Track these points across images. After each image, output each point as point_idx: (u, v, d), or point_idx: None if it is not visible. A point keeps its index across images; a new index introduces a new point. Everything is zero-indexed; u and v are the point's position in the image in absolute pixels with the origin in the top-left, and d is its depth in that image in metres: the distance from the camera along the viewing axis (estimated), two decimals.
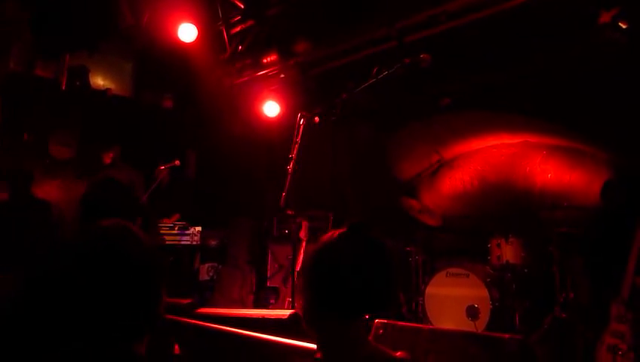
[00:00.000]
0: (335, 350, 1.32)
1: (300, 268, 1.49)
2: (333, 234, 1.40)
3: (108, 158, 5.50)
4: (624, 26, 3.64)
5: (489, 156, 5.64)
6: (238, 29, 5.89)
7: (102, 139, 5.88)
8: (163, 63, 6.56)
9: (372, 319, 2.10)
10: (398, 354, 1.31)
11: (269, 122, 6.09)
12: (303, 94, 5.94)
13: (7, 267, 3.85)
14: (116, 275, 1.14)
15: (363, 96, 3.36)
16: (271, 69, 5.83)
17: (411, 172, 5.79)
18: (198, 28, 5.51)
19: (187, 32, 5.46)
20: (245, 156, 6.70)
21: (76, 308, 1.12)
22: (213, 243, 6.27)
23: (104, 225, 1.23)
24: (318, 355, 1.35)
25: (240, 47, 5.97)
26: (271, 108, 6.02)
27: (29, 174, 4.58)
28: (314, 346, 1.41)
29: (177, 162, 5.39)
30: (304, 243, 4.82)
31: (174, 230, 5.99)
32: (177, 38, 5.48)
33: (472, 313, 4.32)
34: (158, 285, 1.21)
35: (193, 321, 2.41)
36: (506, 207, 5.35)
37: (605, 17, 3.65)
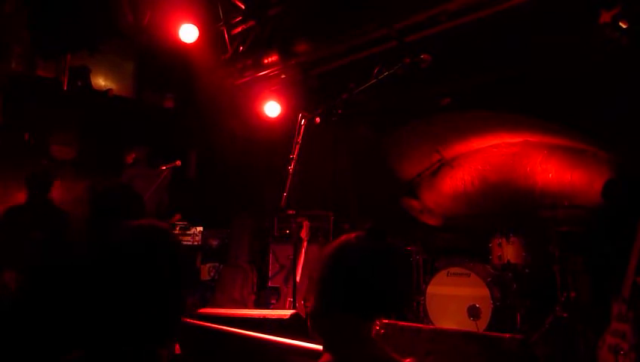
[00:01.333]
0: (347, 351, 1.30)
1: (315, 270, 1.47)
2: (349, 236, 1.39)
3: (130, 158, 5.58)
4: (624, 26, 3.64)
5: (490, 156, 5.64)
6: (239, 29, 5.90)
7: (102, 139, 5.91)
8: (164, 64, 6.57)
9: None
10: (407, 360, 1.30)
11: (270, 122, 6.10)
12: (304, 94, 5.94)
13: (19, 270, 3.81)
14: (150, 276, 1.12)
15: (364, 97, 3.36)
16: (272, 70, 5.84)
17: (412, 172, 5.78)
18: (199, 28, 5.52)
19: (188, 33, 5.48)
20: (246, 156, 6.71)
21: (104, 305, 1.10)
22: (214, 243, 6.28)
23: (140, 225, 1.20)
24: (325, 358, 1.31)
25: (241, 48, 5.97)
26: (272, 109, 6.03)
27: (49, 179, 4.24)
28: (315, 346, 1.40)
29: (178, 162, 5.39)
30: (305, 243, 4.83)
31: (175, 230, 6.00)
32: (179, 38, 5.49)
33: (474, 312, 4.31)
34: (185, 288, 1.20)
35: (194, 321, 2.42)
36: (507, 206, 5.35)
37: (606, 17, 3.65)
